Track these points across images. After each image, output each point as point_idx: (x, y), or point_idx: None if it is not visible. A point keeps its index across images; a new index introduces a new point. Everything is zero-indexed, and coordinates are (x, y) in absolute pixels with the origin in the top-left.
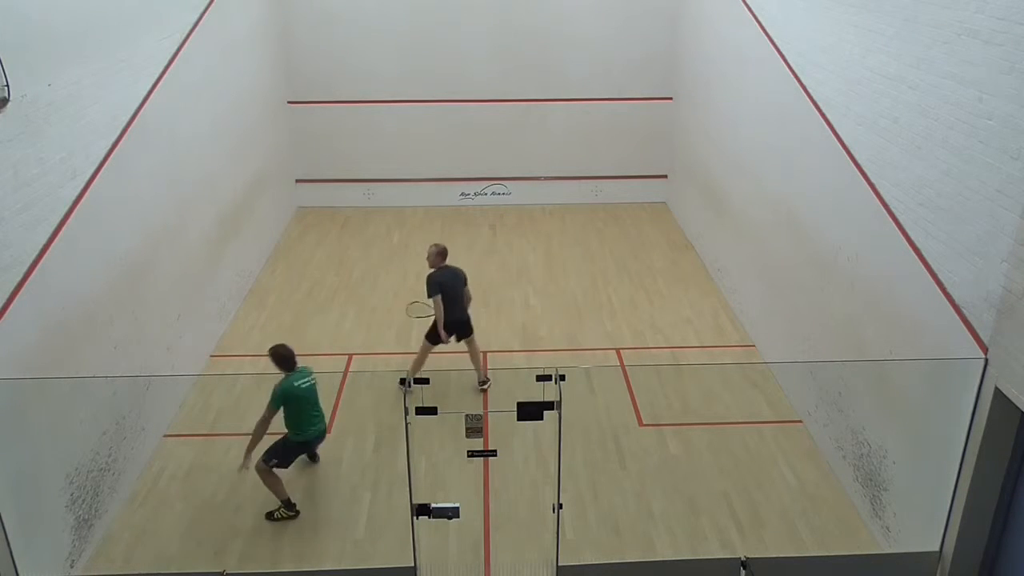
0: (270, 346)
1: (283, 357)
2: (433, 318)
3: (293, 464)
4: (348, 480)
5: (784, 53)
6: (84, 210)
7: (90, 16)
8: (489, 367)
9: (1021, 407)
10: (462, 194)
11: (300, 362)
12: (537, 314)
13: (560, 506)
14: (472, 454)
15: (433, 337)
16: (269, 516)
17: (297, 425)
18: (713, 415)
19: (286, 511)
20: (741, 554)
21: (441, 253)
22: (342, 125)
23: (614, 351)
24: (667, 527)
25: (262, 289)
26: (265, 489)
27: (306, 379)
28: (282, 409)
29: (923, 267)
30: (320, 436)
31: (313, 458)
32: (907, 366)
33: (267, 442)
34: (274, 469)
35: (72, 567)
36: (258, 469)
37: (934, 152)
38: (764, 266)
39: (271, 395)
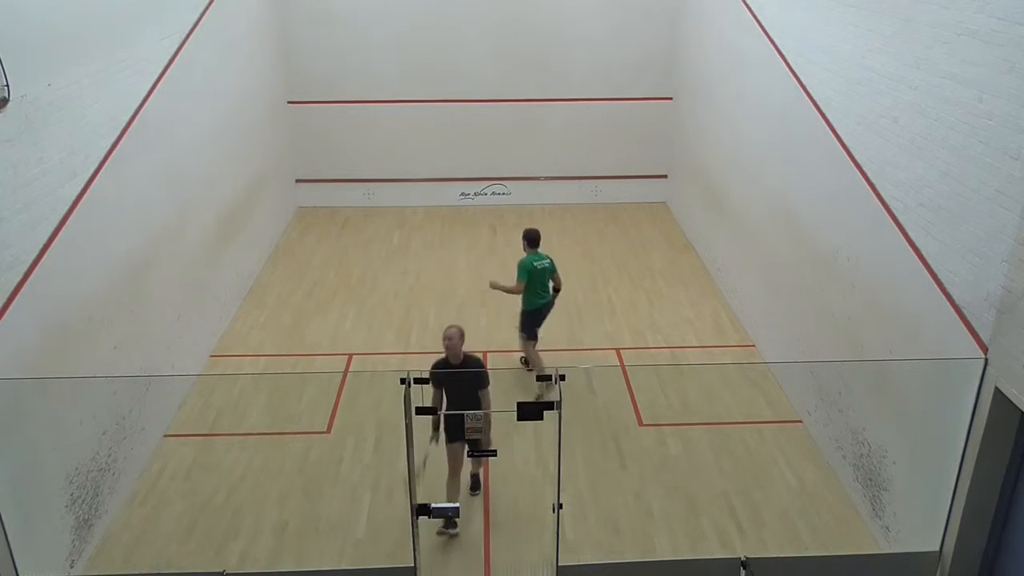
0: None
1: (530, 239)
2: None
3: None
4: (348, 480)
5: (784, 53)
6: (84, 210)
7: (90, 16)
8: (490, 367)
9: (1021, 407)
10: (462, 194)
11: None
12: None
13: (560, 506)
14: (472, 454)
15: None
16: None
17: (529, 298)
18: (713, 415)
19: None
20: (741, 554)
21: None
22: (342, 125)
23: (614, 351)
24: (667, 527)
25: (262, 289)
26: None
27: (541, 261)
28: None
29: (923, 267)
30: (543, 311)
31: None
32: (907, 366)
33: None
34: (529, 339)
35: (72, 567)
36: (522, 339)
37: (934, 152)
38: (764, 266)
39: (518, 269)
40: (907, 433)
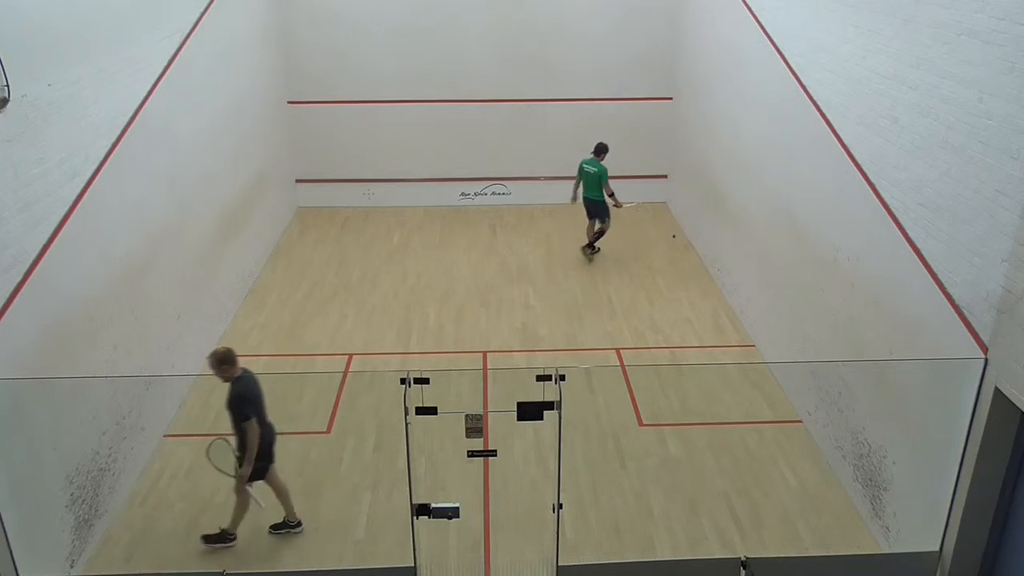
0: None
1: (596, 147)
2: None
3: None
4: (348, 480)
5: (784, 53)
6: (84, 210)
7: (90, 16)
8: (489, 367)
9: (1021, 407)
10: (462, 194)
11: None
12: (537, 314)
13: (560, 506)
14: (472, 454)
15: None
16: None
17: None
18: (713, 415)
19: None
20: (741, 554)
21: (224, 360)
22: (342, 125)
23: (614, 351)
24: (667, 527)
25: (262, 289)
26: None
27: (590, 166)
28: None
29: (923, 267)
30: (586, 202)
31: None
32: (907, 366)
33: None
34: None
35: (72, 567)
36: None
37: (934, 152)
38: (764, 266)
39: None
40: (907, 433)
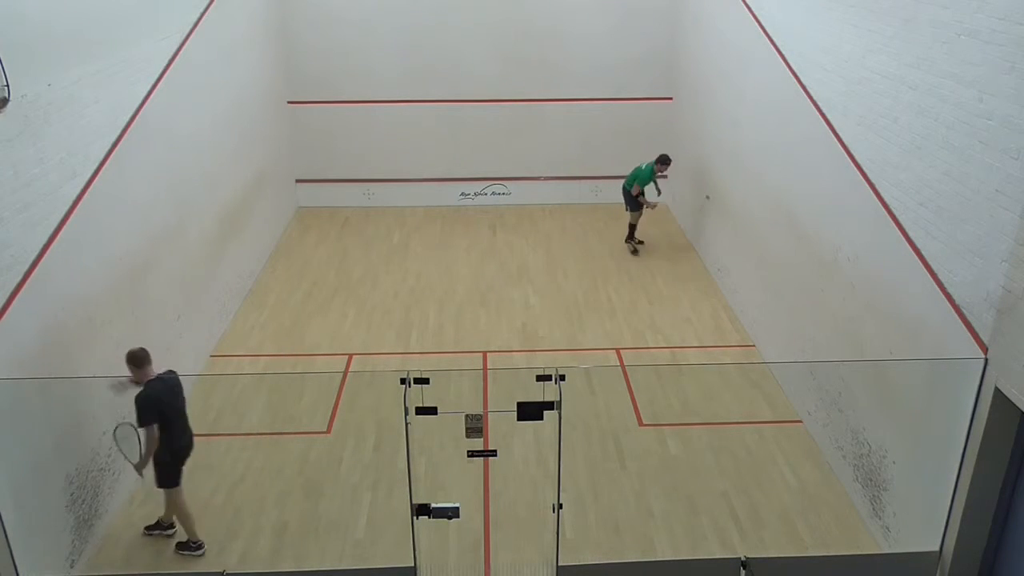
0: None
1: (660, 159)
2: None
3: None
4: (348, 480)
5: (784, 53)
6: (84, 210)
7: (90, 16)
8: (489, 367)
9: (1021, 407)
10: (462, 194)
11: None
12: (537, 314)
13: (560, 506)
14: (472, 454)
15: None
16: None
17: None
18: (713, 415)
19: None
20: (741, 554)
21: (131, 360)
22: (342, 125)
23: (614, 351)
24: (667, 527)
25: (262, 289)
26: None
27: (637, 169)
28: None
29: (923, 267)
30: (623, 190)
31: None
32: (907, 366)
33: None
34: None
35: (72, 567)
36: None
37: (934, 152)
38: (764, 266)
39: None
40: (907, 433)
